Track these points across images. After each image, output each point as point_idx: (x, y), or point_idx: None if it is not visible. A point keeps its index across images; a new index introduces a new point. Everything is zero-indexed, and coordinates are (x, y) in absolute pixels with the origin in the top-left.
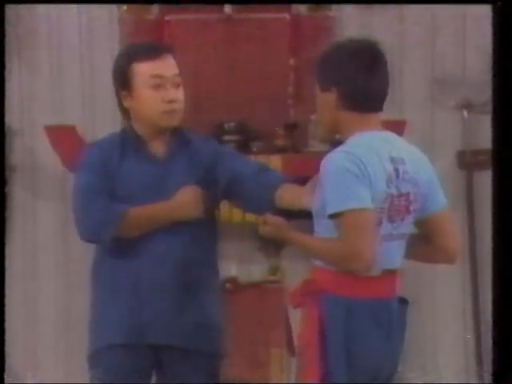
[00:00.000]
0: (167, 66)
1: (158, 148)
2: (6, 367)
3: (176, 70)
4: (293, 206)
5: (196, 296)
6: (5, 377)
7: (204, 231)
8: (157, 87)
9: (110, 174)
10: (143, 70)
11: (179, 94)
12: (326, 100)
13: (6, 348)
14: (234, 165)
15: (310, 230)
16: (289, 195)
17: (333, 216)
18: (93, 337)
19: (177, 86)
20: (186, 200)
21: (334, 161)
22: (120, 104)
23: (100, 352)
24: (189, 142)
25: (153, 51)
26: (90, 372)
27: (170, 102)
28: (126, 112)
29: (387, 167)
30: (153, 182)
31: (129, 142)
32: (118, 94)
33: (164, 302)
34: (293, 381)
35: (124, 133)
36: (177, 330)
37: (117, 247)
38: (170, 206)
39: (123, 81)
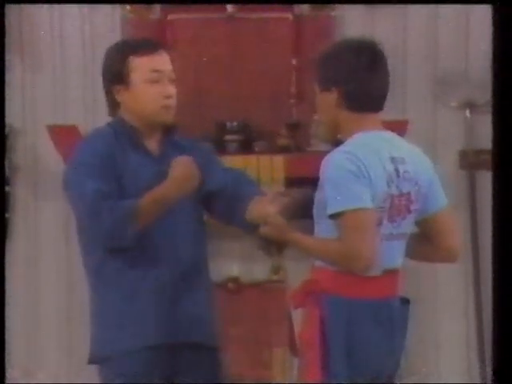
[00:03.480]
0: (165, 61)
1: (153, 144)
2: (7, 367)
3: (171, 66)
4: (257, 220)
5: (201, 291)
6: (6, 377)
7: (198, 227)
8: (155, 82)
9: (113, 172)
10: (142, 65)
11: (174, 90)
12: (326, 100)
13: (7, 348)
14: (216, 177)
15: (311, 230)
16: (254, 210)
17: (333, 216)
18: (110, 340)
19: (172, 81)
20: (182, 174)
21: (333, 161)
22: (111, 98)
23: (124, 354)
24: (178, 141)
25: (151, 46)
26: (103, 375)
27: (168, 97)
28: (116, 106)
29: (387, 167)
30: (152, 178)
31: (125, 136)
32: (109, 88)
33: (187, 300)
34: (295, 380)
35: (116, 127)
36: (201, 326)
37: (126, 251)
38: (170, 185)
39: (118, 74)
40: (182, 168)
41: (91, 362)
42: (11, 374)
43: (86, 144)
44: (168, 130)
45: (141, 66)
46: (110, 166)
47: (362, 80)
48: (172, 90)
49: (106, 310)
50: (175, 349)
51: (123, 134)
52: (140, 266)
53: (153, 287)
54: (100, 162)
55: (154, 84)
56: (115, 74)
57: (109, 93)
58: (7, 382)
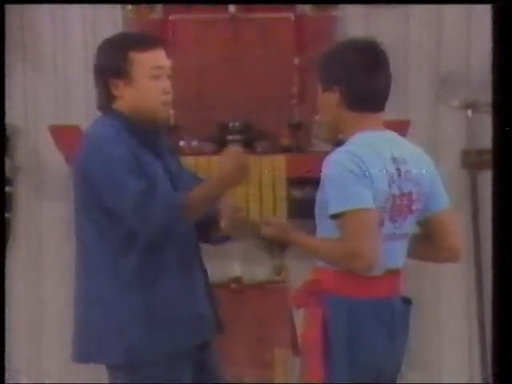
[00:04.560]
0: (164, 57)
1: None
2: (7, 367)
3: (169, 62)
4: None
5: (208, 288)
6: (5, 377)
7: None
8: (156, 78)
9: (140, 166)
10: (145, 60)
11: (170, 86)
12: (328, 100)
13: (7, 348)
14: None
15: (312, 230)
16: None
17: (334, 216)
18: (152, 343)
19: (169, 77)
20: (236, 166)
21: (335, 161)
22: (105, 91)
23: (165, 358)
24: (167, 141)
25: (151, 41)
26: (124, 379)
27: (167, 93)
28: (110, 99)
29: (389, 167)
30: (160, 173)
31: (130, 130)
32: (105, 81)
33: (205, 299)
34: (297, 381)
35: (121, 120)
36: (213, 322)
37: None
38: (224, 178)
39: (118, 68)
40: (236, 160)
41: (121, 368)
42: (11, 373)
43: (105, 138)
44: (169, 129)
45: (143, 62)
46: (136, 160)
47: (364, 80)
48: (169, 85)
49: (144, 313)
50: (197, 348)
51: (129, 128)
52: (176, 266)
53: (188, 288)
54: (130, 156)
55: (155, 80)
56: (115, 68)
57: (104, 86)
58: (7, 382)
